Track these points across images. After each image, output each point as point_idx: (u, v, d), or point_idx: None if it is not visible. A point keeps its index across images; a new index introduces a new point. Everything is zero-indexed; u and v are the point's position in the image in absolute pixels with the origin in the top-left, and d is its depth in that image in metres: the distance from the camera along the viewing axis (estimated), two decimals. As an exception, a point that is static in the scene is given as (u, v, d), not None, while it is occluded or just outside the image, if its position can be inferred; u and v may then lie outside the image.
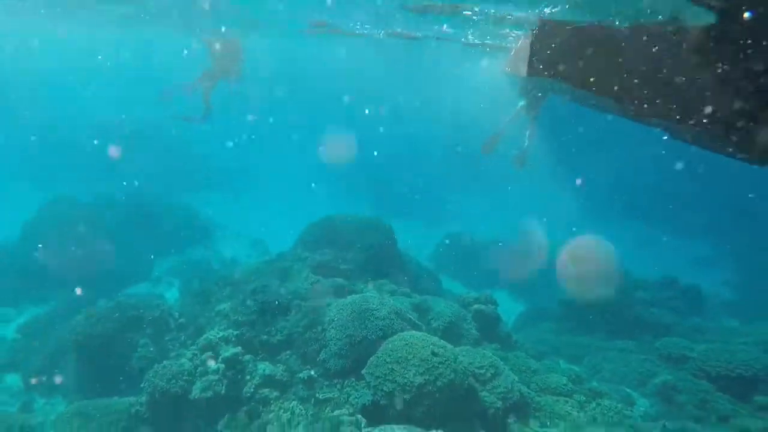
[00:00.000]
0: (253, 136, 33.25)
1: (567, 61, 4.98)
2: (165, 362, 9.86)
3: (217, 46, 14.47)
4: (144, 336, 10.88)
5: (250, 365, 9.72)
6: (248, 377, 9.52)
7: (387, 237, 15.07)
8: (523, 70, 5.98)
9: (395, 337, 9.32)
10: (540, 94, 11.81)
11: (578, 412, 9.81)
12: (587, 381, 11.35)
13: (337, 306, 10.20)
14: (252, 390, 9.33)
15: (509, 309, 16.86)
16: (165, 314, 11.69)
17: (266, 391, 9.36)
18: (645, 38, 4.42)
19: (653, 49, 4.34)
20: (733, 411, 10.67)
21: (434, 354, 8.97)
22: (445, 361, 8.94)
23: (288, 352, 10.07)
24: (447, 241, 21.37)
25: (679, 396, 11.33)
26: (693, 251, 21.86)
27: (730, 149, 4.56)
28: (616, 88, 4.60)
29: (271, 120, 34.14)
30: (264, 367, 9.65)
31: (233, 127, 31.96)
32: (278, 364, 9.85)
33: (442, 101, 33.88)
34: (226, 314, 11.32)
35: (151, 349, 11.00)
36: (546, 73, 5.39)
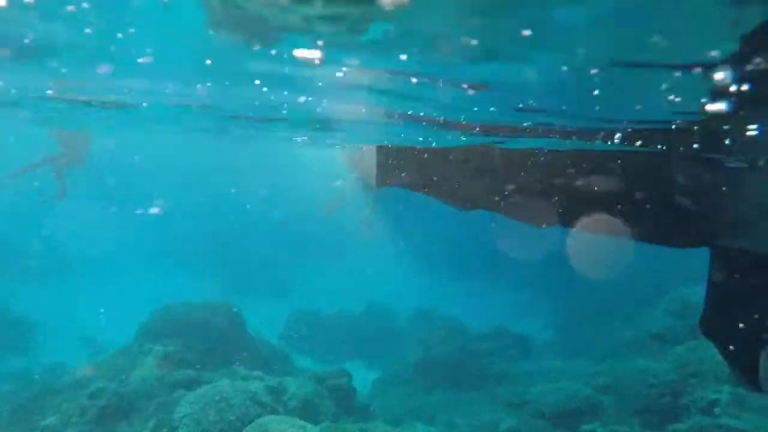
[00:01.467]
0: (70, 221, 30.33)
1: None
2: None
3: (65, 138, 15.30)
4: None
5: (89, 484, 8.66)
6: (88, 498, 8.46)
7: (235, 321, 14.70)
8: (373, 180, 7.10)
9: (253, 424, 9.04)
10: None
11: (439, 471, 10.21)
12: (444, 438, 11.89)
13: (188, 400, 9.62)
14: None
15: (364, 378, 17.03)
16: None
17: None
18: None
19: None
20: (567, 444, 11.89)
21: (295, 436, 8.85)
22: (307, 441, 8.85)
23: (134, 460, 9.18)
24: (296, 318, 21.22)
25: (523, 439, 12.34)
26: (515, 300, 24.29)
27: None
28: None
29: (95, 205, 31.68)
30: (106, 483, 8.66)
31: (44, 213, 28.98)
32: (123, 477, 8.91)
33: (278, 181, 34.55)
34: (55, 430, 10.02)
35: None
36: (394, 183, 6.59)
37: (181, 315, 14.27)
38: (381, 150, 6.73)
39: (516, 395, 14.20)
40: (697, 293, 16.22)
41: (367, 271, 26.00)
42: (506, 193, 5.54)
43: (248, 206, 33.02)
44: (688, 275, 17.47)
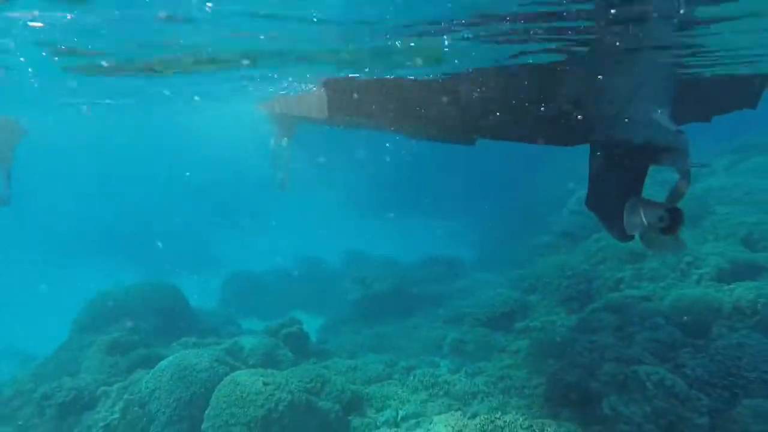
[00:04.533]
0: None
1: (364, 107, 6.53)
2: None
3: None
4: None
5: (71, 473, 8.77)
6: (74, 486, 8.60)
7: (174, 297, 14.66)
8: (319, 114, 7.22)
9: (223, 382, 9.41)
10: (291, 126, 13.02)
11: (402, 388, 11.14)
12: (398, 362, 12.83)
13: (153, 375, 9.79)
14: (83, 497, 8.47)
15: (309, 326, 17.63)
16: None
17: (100, 491, 8.58)
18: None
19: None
20: (506, 341, 13.22)
21: (266, 384, 9.36)
22: (279, 386, 9.39)
23: (112, 442, 9.32)
24: (232, 283, 21.29)
25: (467, 346, 13.54)
26: (443, 228, 25.62)
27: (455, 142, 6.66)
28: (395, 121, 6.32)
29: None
30: (89, 469, 8.81)
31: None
32: (105, 459, 9.08)
33: (188, 150, 33.23)
34: (16, 435, 9.90)
35: None
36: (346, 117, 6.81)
37: (116, 302, 14.05)
38: (329, 83, 7.00)
39: (454, 311, 15.37)
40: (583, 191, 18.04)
41: (294, 225, 26.22)
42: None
43: (161, 181, 31.73)
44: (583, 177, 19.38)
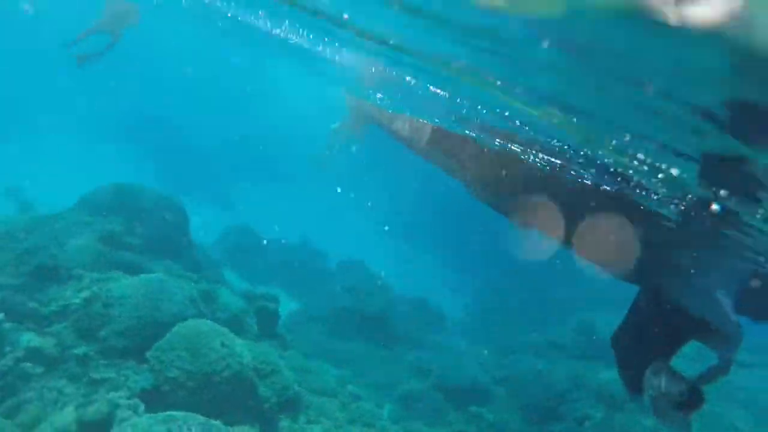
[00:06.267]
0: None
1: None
2: None
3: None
4: None
5: (11, 334, 8.73)
6: (8, 348, 8.55)
7: (180, 217, 14.62)
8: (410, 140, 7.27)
9: (187, 323, 9.33)
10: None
11: (341, 412, 10.96)
12: (350, 384, 12.66)
13: (130, 283, 9.76)
14: (11, 363, 8.41)
15: (284, 306, 17.55)
16: None
17: (29, 365, 8.52)
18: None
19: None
20: (455, 418, 12.97)
21: (223, 345, 9.26)
22: (233, 353, 9.28)
23: (62, 324, 9.29)
24: (233, 233, 21.32)
25: (418, 403, 13.32)
26: (445, 275, 25.46)
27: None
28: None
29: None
30: (29, 338, 8.77)
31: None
32: (48, 337, 9.03)
33: (252, 103, 33.73)
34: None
35: None
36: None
37: (130, 197, 13.98)
38: (436, 130, 7.00)
39: (422, 363, 15.18)
40: (600, 318, 17.68)
41: (314, 209, 26.22)
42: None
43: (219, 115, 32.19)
44: (594, 301, 19.06)
